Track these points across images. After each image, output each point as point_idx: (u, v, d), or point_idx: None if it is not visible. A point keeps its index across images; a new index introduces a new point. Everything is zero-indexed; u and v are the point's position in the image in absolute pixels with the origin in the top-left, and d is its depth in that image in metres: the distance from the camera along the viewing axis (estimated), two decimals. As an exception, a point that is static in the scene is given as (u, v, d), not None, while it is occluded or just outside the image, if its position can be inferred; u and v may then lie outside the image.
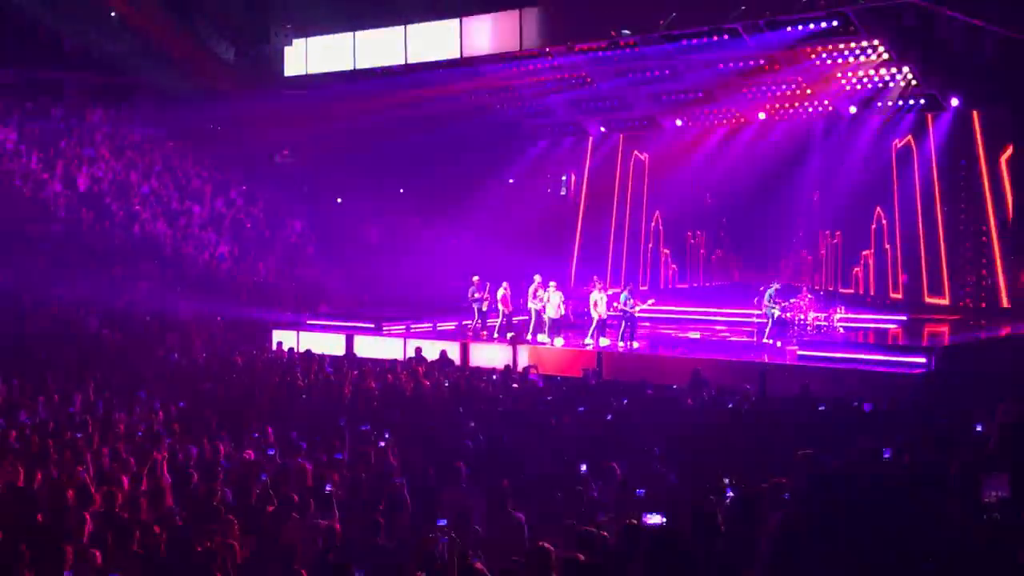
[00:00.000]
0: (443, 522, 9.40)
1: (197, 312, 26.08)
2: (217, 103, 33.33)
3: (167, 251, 28.89)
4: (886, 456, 9.46)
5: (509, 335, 23.89)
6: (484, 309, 24.77)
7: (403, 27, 26.32)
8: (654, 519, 6.86)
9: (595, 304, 23.16)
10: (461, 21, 25.26)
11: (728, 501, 8.63)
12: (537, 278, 24.22)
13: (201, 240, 29.94)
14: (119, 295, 25.83)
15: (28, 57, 32.75)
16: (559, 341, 23.47)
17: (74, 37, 33.10)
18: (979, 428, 10.06)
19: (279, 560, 8.61)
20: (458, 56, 25.78)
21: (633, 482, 10.31)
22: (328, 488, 10.66)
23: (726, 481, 9.59)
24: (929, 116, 25.45)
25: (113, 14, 33.88)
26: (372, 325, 25.91)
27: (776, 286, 23.33)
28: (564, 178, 33.50)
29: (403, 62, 26.59)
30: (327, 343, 24.88)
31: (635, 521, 7.58)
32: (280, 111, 32.48)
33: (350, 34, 27.45)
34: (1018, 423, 3.50)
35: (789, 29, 22.66)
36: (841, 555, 3.95)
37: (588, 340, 23.16)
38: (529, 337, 23.81)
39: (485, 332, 24.75)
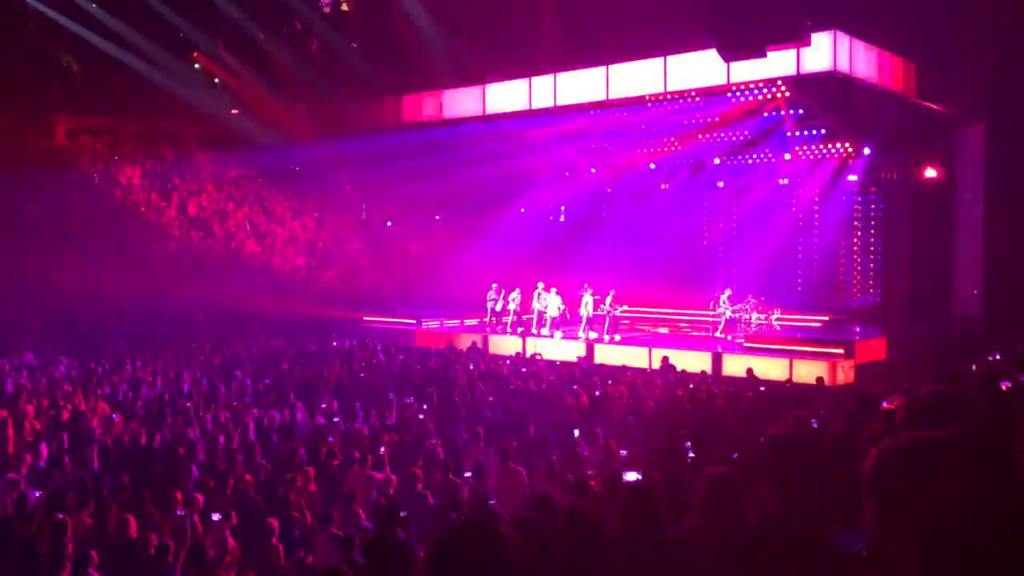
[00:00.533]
0: (468, 474, 9.42)
1: (279, 310, 26.15)
2: (295, 148, 33.42)
3: (256, 263, 28.98)
4: (814, 424, 9.42)
5: (519, 329, 23.92)
6: (498, 309, 24.78)
7: (441, 92, 26.37)
8: (631, 475, 6.85)
9: (585, 305, 23.17)
10: (484, 87, 25.27)
11: (689, 460, 8.60)
12: (540, 284, 24.22)
13: (283, 255, 30.02)
14: (219, 297, 25.91)
15: (150, 112, 32.92)
16: (558, 334, 23.45)
17: (185, 97, 33.26)
18: (884, 404, 9.98)
19: (342, 502, 8.63)
20: (481, 112, 25.80)
21: (617, 445, 10.30)
22: (382, 449, 10.68)
23: (687, 444, 9.55)
24: (848, 160, 25.41)
25: (216, 80, 34.07)
26: (414, 321, 25.93)
27: (728, 292, 23.31)
28: (562, 207, 33.51)
29: (439, 118, 26.63)
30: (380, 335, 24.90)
31: (616, 476, 7.57)
32: (343, 155, 32.54)
33: (397, 97, 27.52)
34: (923, 402, 3.50)
35: (738, 94, 22.65)
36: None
37: (580, 333, 23.15)
38: (535, 331, 23.83)
39: (500, 327, 24.76)
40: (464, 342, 22.71)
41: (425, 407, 14.07)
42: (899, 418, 3.65)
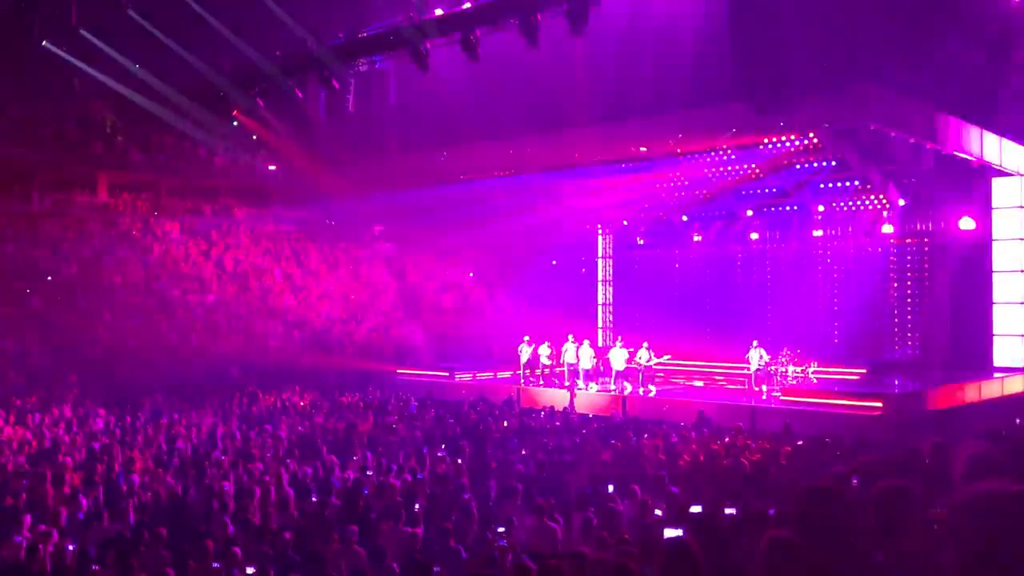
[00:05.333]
0: (501, 529, 9.34)
1: (313, 363, 26.27)
2: (331, 203, 33.93)
3: (292, 316, 29.23)
4: (854, 481, 9.23)
5: (554, 381, 23.82)
6: (526, 360, 24.67)
7: (477, 146, 26.64)
8: (671, 532, 6.76)
9: (613, 360, 23.05)
10: (520, 141, 25.51)
11: (729, 516, 8.47)
12: (571, 337, 24.15)
13: (318, 308, 30.27)
14: (255, 350, 26.14)
15: (189, 169, 33.61)
16: (592, 387, 23.32)
17: (224, 154, 33.95)
18: (927, 461, 9.75)
19: (376, 558, 8.58)
20: (515, 166, 26.04)
21: (652, 501, 10.17)
22: (417, 506, 10.61)
23: (726, 499, 9.41)
24: (883, 212, 25.27)
25: (254, 136, 34.75)
26: (447, 373, 25.92)
27: (756, 343, 23.06)
28: (595, 259, 33.56)
29: (475, 172, 26.88)
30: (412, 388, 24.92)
31: (652, 532, 7.47)
32: (378, 209, 32.97)
33: (431, 152, 27.84)
34: (981, 456, 3.41)
35: (771, 147, 22.65)
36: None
37: (612, 386, 23.00)
38: (567, 383, 23.69)
39: (533, 379, 24.64)
40: (497, 395, 22.64)
41: (458, 461, 14.01)
42: (959, 475, 3.60)
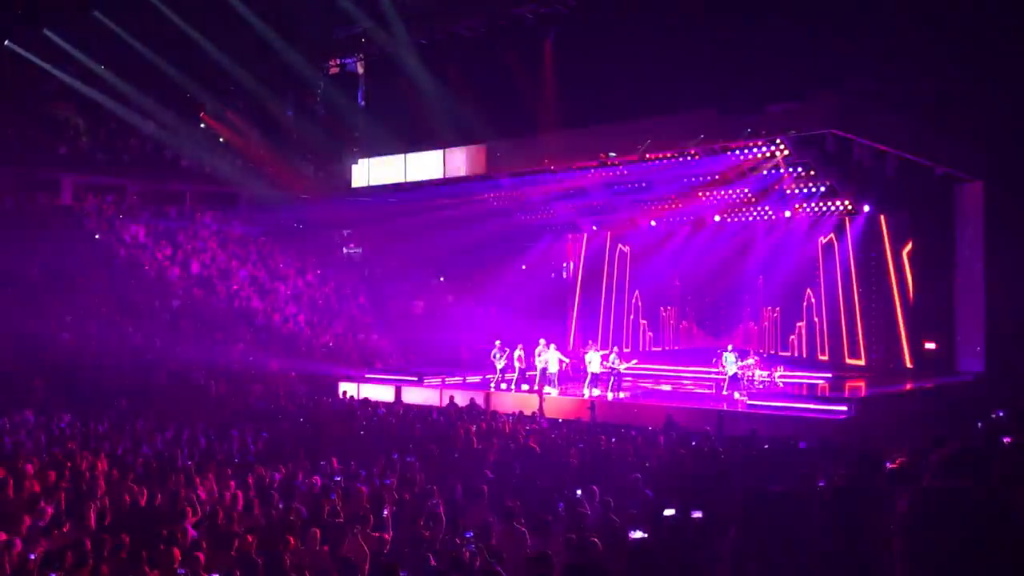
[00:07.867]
0: (470, 534, 9.31)
1: (281, 367, 26.05)
2: (299, 207, 33.74)
3: (259, 320, 28.99)
4: (820, 484, 9.32)
5: (523, 386, 23.80)
6: (501, 366, 24.66)
7: (442, 151, 26.64)
8: (637, 534, 6.79)
9: (589, 362, 23.08)
10: (488, 146, 25.55)
11: (694, 518, 8.50)
12: (542, 341, 24.16)
13: (285, 312, 30.05)
14: (221, 354, 25.86)
15: (155, 172, 33.27)
16: (554, 391, 23.32)
17: (190, 157, 33.66)
18: (888, 464, 9.87)
19: (343, 564, 8.53)
20: (484, 172, 26.06)
21: (620, 503, 10.19)
22: (385, 512, 10.54)
23: (691, 504, 9.45)
24: (847, 218, 25.58)
25: (221, 139, 34.51)
26: (415, 378, 25.80)
27: (731, 348, 23.25)
28: (565, 264, 33.63)
29: (441, 176, 26.84)
30: (381, 392, 24.78)
31: (620, 534, 7.49)
32: (347, 214, 32.80)
33: (402, 156, 27.79)
34: (954, 456, 3.48)
35: (738, 153, 22.84)
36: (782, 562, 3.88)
37: (584, 390, 23.04)
38: (536, 388, 23.69)
39: (504, 384, 24.60)
40: (466, 399, 22.59)
41: (426, 465, 13.96)
42: (929, 476, 3.65)
